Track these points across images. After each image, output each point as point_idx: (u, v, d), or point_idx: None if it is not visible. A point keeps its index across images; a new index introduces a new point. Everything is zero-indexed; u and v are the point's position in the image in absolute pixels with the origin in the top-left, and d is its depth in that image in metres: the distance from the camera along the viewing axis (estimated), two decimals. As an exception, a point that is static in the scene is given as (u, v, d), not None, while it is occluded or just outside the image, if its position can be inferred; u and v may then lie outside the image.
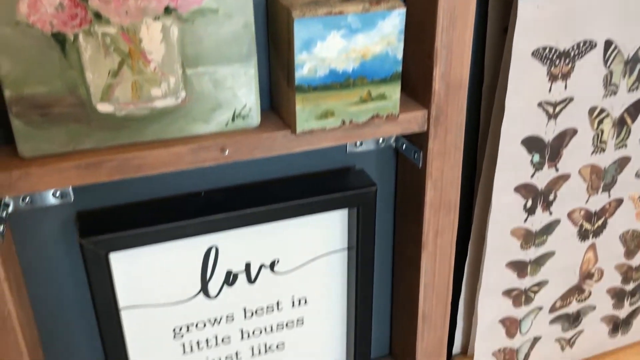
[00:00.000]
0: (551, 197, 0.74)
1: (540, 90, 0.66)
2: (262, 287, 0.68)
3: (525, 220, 0.74)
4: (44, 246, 0.60)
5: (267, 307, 0.69)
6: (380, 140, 0.68)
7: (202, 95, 0.53)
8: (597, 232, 0.80)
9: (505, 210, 0.72)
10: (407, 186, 0.69)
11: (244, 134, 0.55)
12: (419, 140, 0.64)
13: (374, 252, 0.69)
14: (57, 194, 0.57)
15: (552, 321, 0.85)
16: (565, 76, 0.67)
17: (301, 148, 0.58)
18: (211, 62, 0.52)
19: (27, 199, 0.56)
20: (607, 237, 0.81)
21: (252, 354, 0.71)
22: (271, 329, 0.71)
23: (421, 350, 0.75)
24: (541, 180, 0.72)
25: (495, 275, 0.76)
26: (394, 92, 0.57)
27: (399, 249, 0.74)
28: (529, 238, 0.76)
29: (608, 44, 0.67)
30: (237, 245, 0.65)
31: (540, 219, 0.75)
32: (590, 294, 0.85)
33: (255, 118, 0.56)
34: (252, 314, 0.69)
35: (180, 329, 0.66)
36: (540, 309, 0.82)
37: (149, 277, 0.63)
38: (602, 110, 0.71)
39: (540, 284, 0.80)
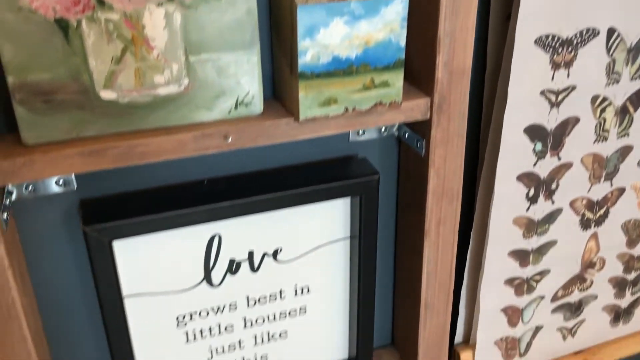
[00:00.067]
0: (553, 186, 0.74)
1: (542, 79, 0.66)
2: (265, 276, 0.68)
3: (528, 209, 0.74)
4: (48, 235, 0.60)
5: (270, 296, 0.70)
6: (383, 129, 0.68)
7: (205, 83, 0.53)
8: (599, 221, 0.80)
9: (507, 199, 0.72)
10: (409, 175, 0.69)
11: (247, 122, 0.55)
12: (421, 129, 0.64)
13: (377, 240, 0.69)
14: (60, 182, 0.57)
15: (554, 310, 0.85)
16: (568, 64, 0.67)
17: (304, 136, 0.58)
18: (214, 49, 0.52)
19: (30, 187, 0.56)
20: (609, 227, 0.82)
21: (255, 343, 0.72)
22: (274, 318, 0.71)
23: (423, 339, 0.75)
24: (543, 169, 0.72)
25: (497, 264, 0.76)
26: (397, 79, 0.57)
27: (401, 238, 0.75)
28: (531, 227, 0.76)
29: (611, 32, 0.67)
30: (240, 233, 0.65)
31: (542, 207, 0.75)
32: (592, 283, 0.85)
33: (258, 105, 0.56)
34: (255, 303, 0.69)
35: (184, 318, 0.66)
36: (542, 298, 0.83)
37: (153, 266, 0.63)
38: (604, 99, 0.71)
39: (542, 273, 0.80)
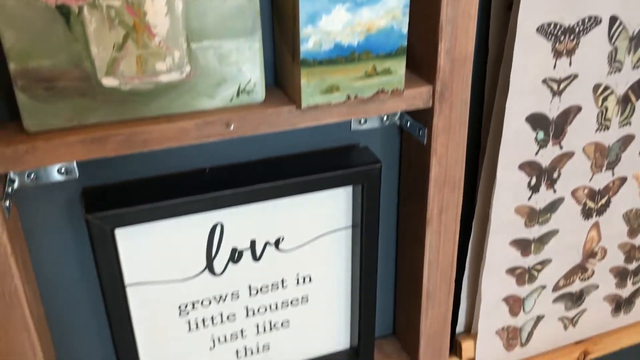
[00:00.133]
0: (555, 175, 0.74)
1: (544, 67, 0.66)
2: (267, 265, 0.68)
3: (530, 198, 0.74)
4: (50, 223, 0.60)
5: (272, 285, 0.70)
6: (385, 118, 0.67)
7: (207, 70, 0.53)
8: (601, 211, 0.81)
9: (509, 188, 0.72)
10: (411, 163, 0.69)
11: (249, 109, 0.55)
12: (423, 117, 0.64)
13: (378, 230, 0.69)
14: (62, 170, 0.56)
15: (555, 300, 0.85)
16: (570, 53, 0.66)
17: (306, 124, 0.58)
18: (216, 36, 0.52)
19: (32, 175, 0.56)
20: (610, 216, 0.82)
21: (257, 332, 0.72)
22: (276, 307, 0.71)
23: (425, 329, 0.75)
24: (545, 157, 0.72)
25: (499, 253, 0.76)
26: (399, 66, 0.57)
27: (403, 227, 0.75)
28: (532, 216, 0.76)
29: (613, 20, 0.67)
30: (242, 222, 0.65)
31: (544, 197, 0.75)
32: (593, 272, 0.86)
33: (260, 93, 0.56)
34: (257, 292, 0.69)
35: (186, 306, 0.67)
36: (543, 287, 0.83)
37: (155, 254, 0.63)
38: (606, 88, 0.71)
39: (544, 263, 0.81)
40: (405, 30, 0.55)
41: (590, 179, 0.77)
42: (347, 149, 0.68)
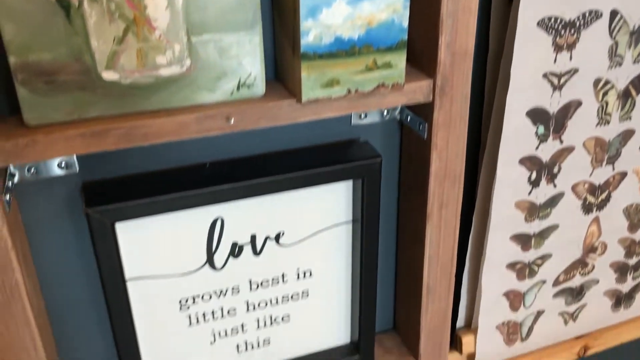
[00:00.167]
0: (555, 170, 0.74)
1: (545, 61, 0.66)
2: (267, 259, 0.68)
3: (530, 192, 0.74)
4: (50, 218, 0.60)
5: (273, 279, 0.70)
6: (385, 112, 0.67)
7: (207, 64, 0.53)
8: (601, 206, 0.81)
9: (509, 183, 0.72)
10: (412, 158, 0.69)
11: (249, 103, 0.55)
12: (424, 112, 0.64)
13: (379, 224, 0.69)
14: (63, 164, 0.57)
15: (556, 295, 0.85)
16: (571, 47, 0.66)
17: (306, 118, 0.58)
18: (216, 30, 0.52)
19: (32, 170, 0.56)
20: (610, 211, 0.82)
21: (258, 326, 0.72)
22: (276, 301, 0.71)
23: (425, 324, 0.75)
24: (546, 152, 0.72)
25: (499, 248, 0.77)
26: (400, 60, 0.57)
27: (403, 222, 0.75)
28: (533, 211, 0.76)
29: (614, 14, 0.67)
30: (243, 217, 0.65)
31: (544, 191, 0.75)
32: (593, 267, 0.86)
33: (260, 87, 0.56)
34: (258, 286, 0.69)
35: (187, 301, 0.67)
36: (543, 282, 0.83)
37: (155, 249, 0.63)
38: (607, 82, 0.71)
39: (544, 258, 0.81)
40: (405, 24, 0.55)
41: (591, 174, 0.77)
42: (347, 144, 0.68)
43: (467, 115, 0.64)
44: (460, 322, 0.84)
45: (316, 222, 0.69)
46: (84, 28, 0.48)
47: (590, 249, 0.84)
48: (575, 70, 0.68)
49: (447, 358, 0.79)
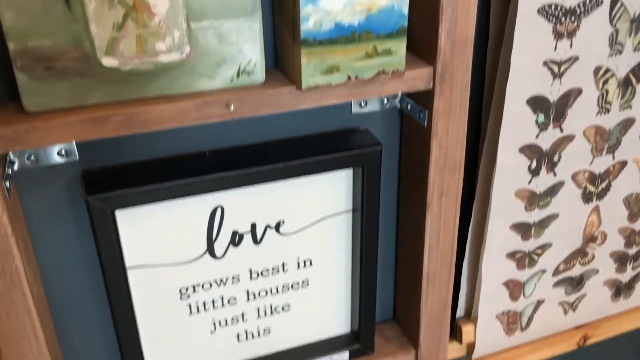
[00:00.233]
0: (555, 158, 0.74)
1: (545, 49, 0.66)
2: (267, 248, 0.68)
3: (530, 181, 0.74)
4: (51, 206, 0.60)
5: (273, 269, 0.70)
6: (385, 101, 0.67)
7: (207, 50, 0.53)
8: (601, 195, 0.81)
9: (509, 172, 0.72)
10: (412, 147, 0.69)
11: (249, 90, 0.55)
12: (424, 100, 0.64)
13: (379, 213, 0.69)
14: (62, 152, 0.56)
15: (556, 284, 0.85)
16: (571, 34, 0.66)
17: (306, 105, 0.57)
18: (216, 16, 0.52)
19: (32, 157, 0.56)
20: (610, 200, 0.82)
21: (258, 316, 0.72)
22: (277, 291, 0.71)
23: (425, 313, 0.75)
24: (546, 140, 0.72)
25: (499, 237, 0.77)
26: (400, 47, 0.56)
27: (403, 211, 0.75)
28: (533, 200, 0.76)
29: (614, 1, 0.67)
30: (243, 205, 0.65)
31: (544, 180, 0.75)
32: (593, 257, 0.86)
33: (260, 74, 0.55)
34: (258, 275, 0.69)
35: (187, 290, 0.67)
36: (543, 272, 0.83)
37: (156, 237, 0.63)
38: (607, 70, 0.71)
39: (544, 247, 0.81)
40: (406, 10, 0.55)
41: (591, 163, 0.77)
42: (347, 132, 0.68)
43: (467, 103, 0.64)
44: (460, 311, 0.84)
45: (316, 211, 0.69)
46: (83, 14, 0.48)
47: (590, 239, 0.84)
48: (576, 58, 0.68)
49: (447, 347, 0.79)
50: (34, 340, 0.57)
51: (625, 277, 0.91)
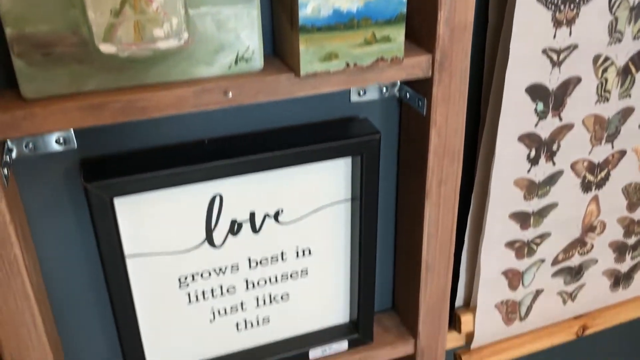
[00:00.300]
0: (554, 147, 0.74)
1: (544, 37, 0.66)
2: (266, 237, 0.68)
3: (529, 170, 0.74)
4: (49, 195, 0.60)
5: (272, 258, 0.70)
6: (384, 90, 0.67)
7: (205, 37, 0.53)
8: (600, 184, 0.81)
9: (508, 161, 0.72)
10: (411, 135, 0.69)
11: (248, 77, 0.55)
12: (423, 88, 0.64)
13: (378, 202, 0.69)
14: (61, 140, 0.56)
15: (555, 274, 0.85)
16: (570, 22, 0.66)
17: (305, 92, 0.57)
18: (214, 3, 0.52)
19: (30, 145, 0.55)
20: (609, 190, 0.82)
21: (257, 305, 0.72)
22: (276, 280, 0.71)
23: (424, 303, 0.75)
24: (545, 129, 0.72)
25: (498, 227, 0.77)
26: (399, 34, 0.56)
27: (402, 200, 0.75)
28: (532, 189, 0.76)
29: (613, -11, 0.67)
30: (242, 194, 0.65)
31: (543, 169, 0.75)
32: (592, 247, 0.86)
33: (258, 61, 0.55)
34: (257, 264, 0.69)
35: (186, 278, 0.67)
36: (542, 261, 0.83)
37: (154, 226, 0.63)
38: (606, 59, 0.71)
39: (543, 236, 0.81)
40: (404, -4, 0.55)
41: (590, 152, 0.77)
42: (346, 121, 0.68)
43: (466, 91, 0.64)
44: (459, 301, 0.84)
45: (315, 200, 0.69)
46: (81, 0, 0.48)
47: (589, 228, 0.84)
48: (575, 46, 0.68)
49: (446, 337, 0.79)
50: (33, 329, 0.57)
51: (624, 267, 0.91)
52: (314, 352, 0.75)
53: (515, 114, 0.69)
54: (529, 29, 0.64)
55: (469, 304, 0.84)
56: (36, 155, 0.57)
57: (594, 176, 0.79)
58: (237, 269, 0.69)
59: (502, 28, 0.65)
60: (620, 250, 0.89)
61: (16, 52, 0.48)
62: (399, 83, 0.67)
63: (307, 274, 0.73)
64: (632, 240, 0.89)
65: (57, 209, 0.61)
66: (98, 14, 0.49)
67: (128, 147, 0.61)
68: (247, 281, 0.70)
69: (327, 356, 0.76)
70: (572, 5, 0.65)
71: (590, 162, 0.78)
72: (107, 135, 0.59)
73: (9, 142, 0.54)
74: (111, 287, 0.62)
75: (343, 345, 0.77)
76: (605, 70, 0.71)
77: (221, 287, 0.69)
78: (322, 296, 0.75)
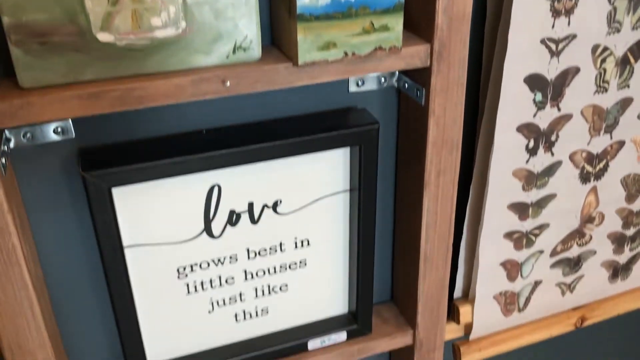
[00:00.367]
0: (553, 138, 0.74)
1: (543, 26, 0.66)
2: (265, 228, 0.68)
3: (527, 161, 0.74)
4: (47, 184, 0.60)
5: (270, 248, 0.70)
6: (383, 80, 0.67)
7: (203, 26, 0.53)
8: (599, 175, 0.80)
9: (507, 151, 0.72)
10: (409, 126, 0.69)
11: (246, 67, 0.55)
12: (421, 78, 0.64)
13: (376, 192, 0.69)
14: (59, 129, 0.56)
15: (553, 265, 0.85)
16: (569, 12, 0.66)
17: (303, 82, 0.57)
18: (212, -9, 0.51)
19: (28, 135, 0.55)
20: (608, 180, 0.82)
21: (256, 295, 0.72)
22: (274, 270, 0.71)
23: (422, 294, 0.75)
24: (543, 120, 0.72)
25: (496, 217, 0.77)
26: (397, 23, 0.56)
27: (401, 191, 0.75)
28: (530, 179, 0.76)
29: (612, -21, 0.66)
30: (240, 184, 0.65)
31: (541, 160, 0.75)
32: (590, 238, 0.86)
33: (256, 50, 0.55)
34: (256, 255, 0.69)
35: (184, 269, 0.67)
36: (541, 252, 0.83)
37: (153, 216, 0.63)
38: (605, 49, 0.71)
39: (542, 227, 0.81)
40: (402, -15, 0.55)
41: (588, 143, 0.77)
42: (344, 111, 0.68)
43: (464, 80, 0.64)
44: (457, 292, 0.84)
45: (313, 190, 0.69)
46: (77, -12, 0.48)
47: (587, 219, 0.84)
48: (574, 36, 0.68)
49: (445, 328, 0.79)
50: (32, 319, 0.57)
51: (622, 259, 0.91)
52: (312, 343, 0.76)
53: (514, 104, 0.69)
54: (528, 19, 0.64)
55: (468, 295, 0.84)
56: (34, 145, 0.57)
57: (592, 167, 0.79)
58: (236, 260, 0.69)
59: (501, 18, 0.65)
60: (619, 241, 0.89)
61: (13, 40, 0.48)
62: (397, 73, 0.67)
63: (305, 264, 0.73)
64: (630, 232, 0.89)
65: (56, 199, 0.61)
66: (95, 3, 0.49)
67: (126, 137, 0.61)
68: (245, 272, 0.70)
69: (326, 347, 0.76)
70: (570, -5, 0.65)
71: (588, 152, 0.78)
72: (105, 125, 0.59)
73: (6, 132, 0.54)
74: (110, 278, 0.62)
75: (342, 336, 0.77)
76: (604, 61, 0.71)
77: (220, 278, 0.69)
78: (320, 287, 0.75)
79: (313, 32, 0.54)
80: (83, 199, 0.61)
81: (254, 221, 0.67)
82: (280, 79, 0.56)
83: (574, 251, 0.86)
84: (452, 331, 0.86)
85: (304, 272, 0.73)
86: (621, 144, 0.79)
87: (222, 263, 0.68)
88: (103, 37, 0.50)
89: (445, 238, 0.73)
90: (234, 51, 0.55)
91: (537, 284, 0.86)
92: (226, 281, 0.69)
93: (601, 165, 0.80)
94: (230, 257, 0.68)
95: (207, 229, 0.66)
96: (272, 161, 0.64)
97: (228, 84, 0.54)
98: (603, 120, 0.76)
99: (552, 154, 0.75)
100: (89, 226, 0.63)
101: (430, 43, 0.60)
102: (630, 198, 0.85)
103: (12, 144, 0.55)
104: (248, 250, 0.69)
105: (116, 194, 0.59)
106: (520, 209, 0.77)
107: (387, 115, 0.71)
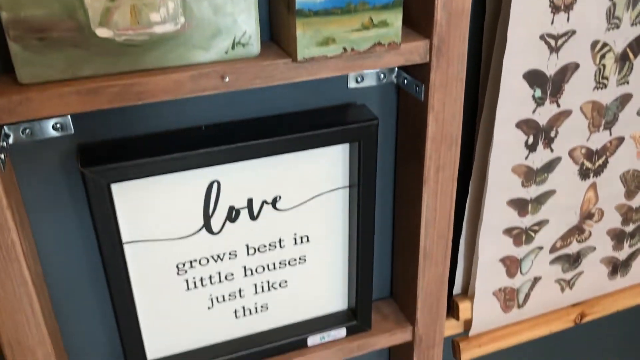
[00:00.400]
0: (552, 134, 0.74)
1: (542, 22, 0.66)
2: (264, 224, 0.68)
3: (527, 157, 0.74)
4: (46, 180, 0.60)
5: (270, 245, 0.70)
6: (382, 76, 0.67)
7: (202, 22, 0.52)
8: (598, 171, 0.80)
9: (506, 147, 0.72)
10: (408, 122, 0.69)
11: (245, 62, 0.55)
12: (420, 73, 0.64)
13: (375, 189, 0.69)
14: (57, 125, 0.56)
15: (553, 261, 0.85)
16: (568, 7, 0.66)
17: (302, 77, 0.57)
18: (210, -13, 0.51)
19: (27, 131, 0.55)
20: (607, 177, 0.82)
21: (255, 292, 0.72)
22: (274, 267, 0.71)
23: (422, 290, 0.75)
24: (542, 116, 0.72)
25: (496, 213, 0.77)
26: (396, 18, 0.56)
27: (400, 187, 0.75)
28: (530, 176, 0.76)
29: (612, -26, 0.66)
30: (239, 180, 0.65)
31: (541, 156, 0.75)
32: (590, 234, 0.86)
33: (255, 46, 0.55)
34: (255, 251, 0.69)
35: (184, 265, 0.67)
36: (540, 248, 0.83)
37: (152, 212, 0.63)
38: (604, 45, 0.70)
39: (541, 223, 0.81)
40: (401, -19, 0.55)
41: (588, 139, 0.77)
42: (344, 107, 0.68)
43: (464, 76, 0.63)
44: (457, 288, 0.85)
45: (313, 186, 0.69)
46: (76, -17, 0.48)
47: (587, 216, 0.84)
48: (573, 32, 0.68)
49: (444, 324, 0.80)
50: (31, 315, 0.57)
51: (622, 255, 0.91)
52: (312, 339, 0.76)
53: (513, 100, 0.69)
54: (527, 15, 0.64)
55: (467, 291, 0.84)
56: (33, 141, 0.57)
57: (591, 163, 0.79)
58: (235, 256, 0.69)
59: (500, 13, 0.65)
60: (618, 237, 0.89)
61: (12, 36, 0.48)
62: (396, 69, 0.67)
63: (305, 261, 0.73)
64: (630, 228, 0.89)
65: (55, 195, 0.61)
66: (94, -2, 0.49)
67: (125, 133, 0.61)
68: (245, 268, 0.70)
69: (326, 343, 0.77)
70: (570, -9, 0.65)
71: (588, 149, 0.78)
72: (104, 121, 0.59)
73: (5, 128, 0.54)
74: (109, 274, 0.62)
75: (341, 332, 0.77)
76: (603, 57, 0.71)
77: (219, 274, 0.69)
78: (320, 283, 0.75)
79: (312, 27, 0.54)
80: (82, 195, 0.61)
81: (253, 217, 0.67)
82: (279, 74, 0.56)
83: (574, 247, 0.86)
84: (451, 327, 0.86)
85: (304, 268, 0.73)
86: (620, 140, 0.79)
87: (222, 259, 0.68)
88: (102, 32, 0.50)
89: (445, 234, 0.73)
90: (232, 47, 0.55)
91: (536, 280, 0.86)
92: (226, 277, 0.70)
93: (600, 161, 0.80)
94: (230, 253, 0.68)
95: (207, 225, 0.66)
96: (271, 157, 0.64)
97: (227, 79, 0.54)
98: (602, 116, 0.76)
99: (552, 150, 0.75)
100: (89, 223, 0.63)
101: (430, 39, 0.60)
102: (629, 194, 0.85)
103: (11, 140, 0.55)
104: (247, 247, 0.69)
105: (115, 190, 0.59)
106: (520, 205, 0.77)
107: (387, 111, 0.71)
